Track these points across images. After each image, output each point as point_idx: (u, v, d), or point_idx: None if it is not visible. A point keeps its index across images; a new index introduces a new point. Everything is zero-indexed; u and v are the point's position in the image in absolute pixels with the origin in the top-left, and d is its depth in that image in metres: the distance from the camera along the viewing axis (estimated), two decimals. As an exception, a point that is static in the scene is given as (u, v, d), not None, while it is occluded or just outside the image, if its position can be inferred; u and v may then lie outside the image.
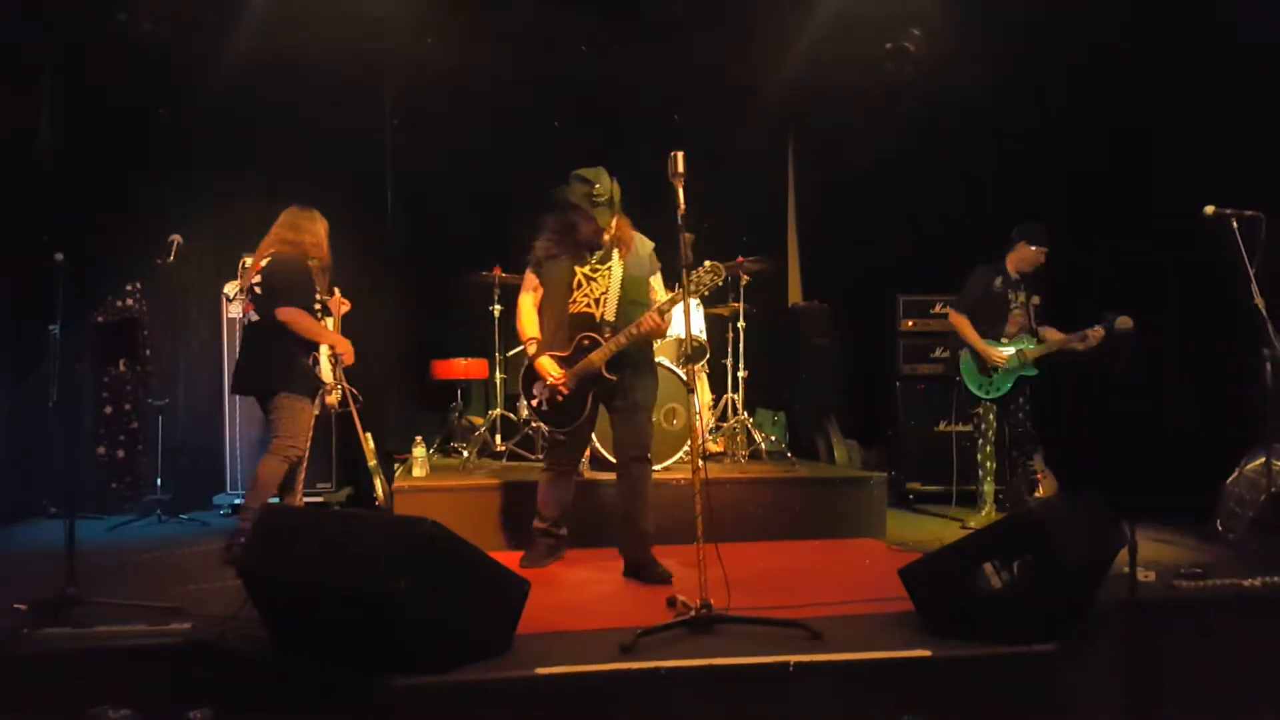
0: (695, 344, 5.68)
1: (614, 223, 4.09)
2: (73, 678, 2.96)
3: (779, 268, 7.09)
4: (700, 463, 3.38)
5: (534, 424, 5.67)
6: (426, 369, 6.42)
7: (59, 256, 3.84)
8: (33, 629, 3.08)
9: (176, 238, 4.61)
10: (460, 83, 6.51)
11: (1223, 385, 4.98)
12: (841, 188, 7.03)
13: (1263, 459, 4.56)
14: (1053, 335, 5.32)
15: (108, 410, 5.99)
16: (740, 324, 5.96)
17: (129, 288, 6.00)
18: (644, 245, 4.20)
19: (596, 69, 6.67)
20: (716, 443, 5.98)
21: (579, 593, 3.97)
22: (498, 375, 6.07)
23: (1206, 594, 3.65)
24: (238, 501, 5.64)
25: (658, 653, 2.92)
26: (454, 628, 2.79)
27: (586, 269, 4.14)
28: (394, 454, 6.05)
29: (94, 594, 3.39)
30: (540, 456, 5.57)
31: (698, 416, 3.53)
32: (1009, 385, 5.35)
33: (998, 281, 5.45)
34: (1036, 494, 5.54)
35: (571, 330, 4.12)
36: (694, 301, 5.67)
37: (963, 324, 5.43)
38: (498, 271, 5.96)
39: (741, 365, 5.97)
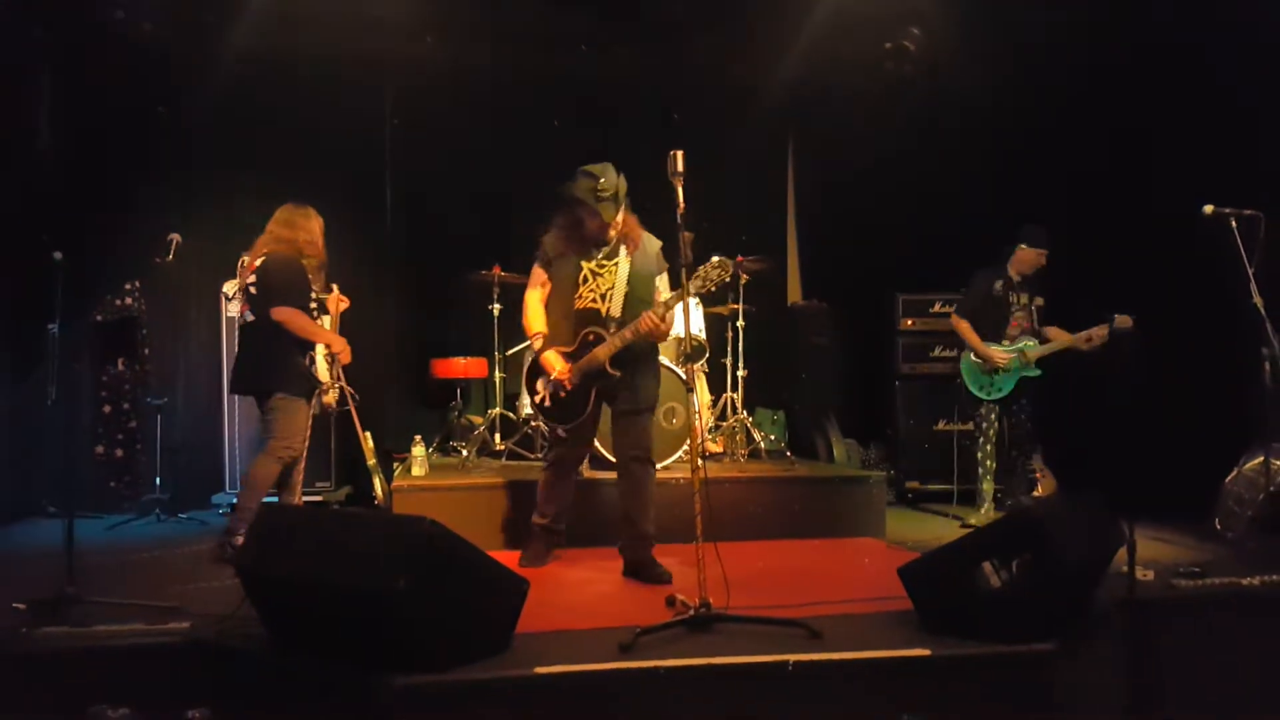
0: (695, 343, 5.68)
1: (621, 219, 4.08)
2: (71, 677, 2.95)
3: (778, 267, 7.09)
4: (700, 462, 3.38)
5: (534, 423, 5.68)
6: (426, 368, 6.42)
7: (58, 255, 3.84)
8: (31, 628, 3.08)
9: (175, 237, 4.62)
10: (460, 82, 6.51)
11: (1221, 384, 4.98)
12: (841, 187, 7.03)
13: (1261, 458, 4.56)
14: (1058, 335, 5.34)
15: (106, 409, 5.99)
16: (740, 323, 5.96)
17: (128, 286, 5.99)
18: (652, 243, 4.19)
19: (596, 69, 6.68)
20: (716, 442, 5.98)
21: (578, 592, 3.97)
22: (497, 374, 6.08)
23: (1205, 593, 3.65)
24: (236, 501, 5.64)
25: (657, 652, 2.92)
26: (453, 627, 2.79)
27: (593, 264, 4.13)
28: (393, 453, 6.05)
29: (92, 593, 3.39)
30: (540, 455, 5.58)
31: (697, 416, 3.52)
32: (1010, 386, 5.37)
33: (998, 285, 5.47)
34: (1035, 493, 5.54)
35: (577, 326, 4.12)
36: (693, 300, 5.67)
37: (964, 328, 5.47)
38: (497, 271, 5.97)
39: (741, 364, 5.97)
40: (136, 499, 5.83)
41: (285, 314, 4.31)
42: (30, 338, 5.46)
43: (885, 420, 6.64)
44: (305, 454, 4.57)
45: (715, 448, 5.95)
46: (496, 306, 6.01)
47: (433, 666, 2.71)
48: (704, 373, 5.95)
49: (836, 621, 3.22)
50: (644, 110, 6.67)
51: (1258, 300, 4.22)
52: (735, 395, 5.97)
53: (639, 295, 4.09)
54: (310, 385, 4.50)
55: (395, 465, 5.77)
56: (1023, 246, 5.42)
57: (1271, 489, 4.46)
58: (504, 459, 5.72)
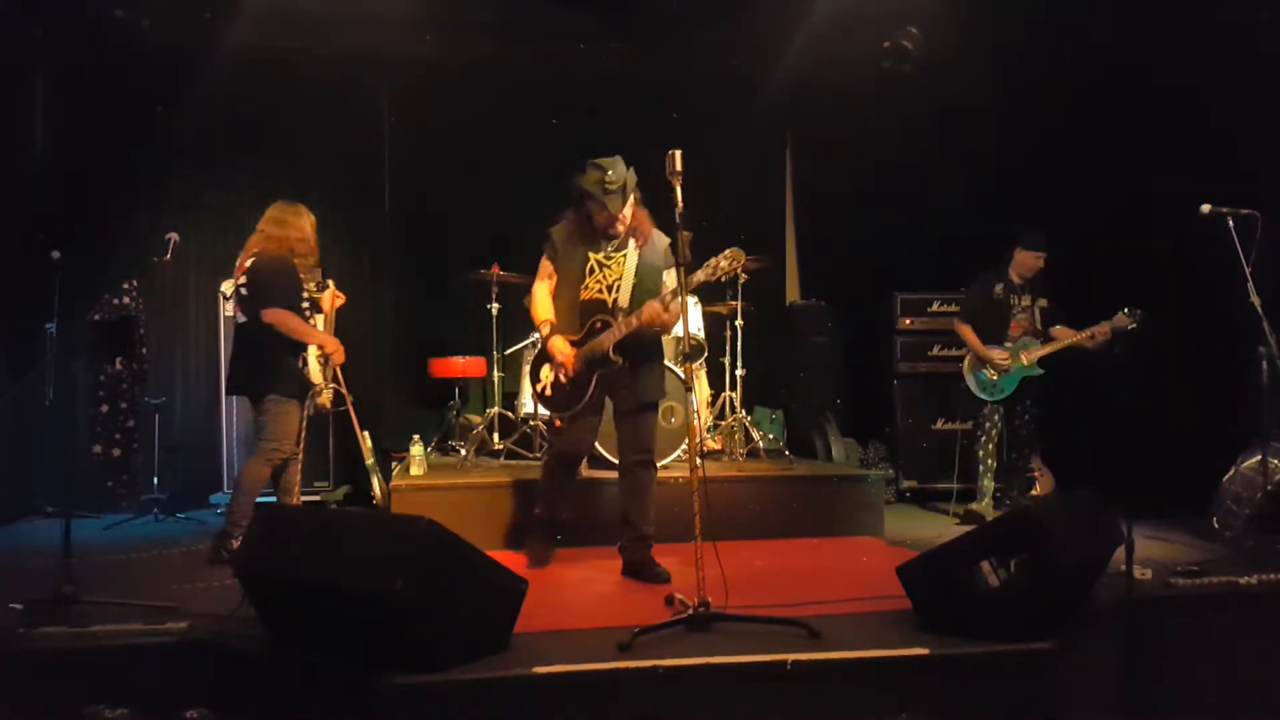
0: (693, 342, 5.68)
1: (629, 212, 4.07)
2: (69, 677, 2.95)
3: (777, 266, 7.09)
4: (698, 461, 3.38)
5: (532, 422, 5.68)
6: (424, 367, 6.42)
7: (55, 255, 3.83)
8: (29, 628, 3.08)
9: (174, 236, 4.61)
10: (458, 81, 6.50)
11: (1219, 383, 4.98)
12: (839, 186, 7.03)
13: (1259, 456, 4.57)
14: (1063, 334, 5.36)
15: (104, 409, 5.97)
16: (738, 322, 5.96)
17: (126, 286, 5.98)
18: (661, 239, 4.18)
19: (595, 68, 6.68)
20: (715, 441, 5.98)
21: (577, 592, 3.97)
22: (495, 374, 6.07)
23: (1203, 592, 3.66)
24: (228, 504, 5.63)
25: (655, 651, 2.92)
26: (451, 626, 2.79)
27: (601, 256, 4.13)
28: (391, 452, 6.05)
29: (91, 593, 3.38)
30: (538, 455, 5.58)
31: (696, 415, 3.52)
32: (1012, 387, 5.40)
33: (998, 288, 5.51)
34: (1033, 492, 5.56)
35: (583, 316, 4.11)
36: (692, 300, 5.67)
37: (966, 332, 5.52)
38: (495, 269, 5.96)
39: (740, 363, 5.97)
40: (134, 499, 5.82)
41: (276, 316, 4.28)
42: (28, 337, 5.47)
43: (884, 419, 6.65)
44: (302, 454, 4.55)
45: (714, 446, 5.95)
46: (495, 306, 6.01)
47: (431, 666, 2.71)
48: (703, 371, 5.95)
49: (835, 621, 3.22)
50: (643, 109, 6.66)
51: (1255, 299, 4.22)
52: (734, 394, 5.97)
53: (646, 287, 4.08)
54: (303, 387, 4.48)
55: (394, 465, 5.76)
56: (1020, 249, 5.45)
57: (1269, 487, 4.47)
58: (502, 458, 5.71)
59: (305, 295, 4.55)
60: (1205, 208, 4.28)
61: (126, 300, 5.98)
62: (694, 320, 5.85)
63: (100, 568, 4.18)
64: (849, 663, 2.92)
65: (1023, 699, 2.95)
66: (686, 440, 4.63)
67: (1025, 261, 5.46)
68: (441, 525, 2.81)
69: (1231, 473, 4.71)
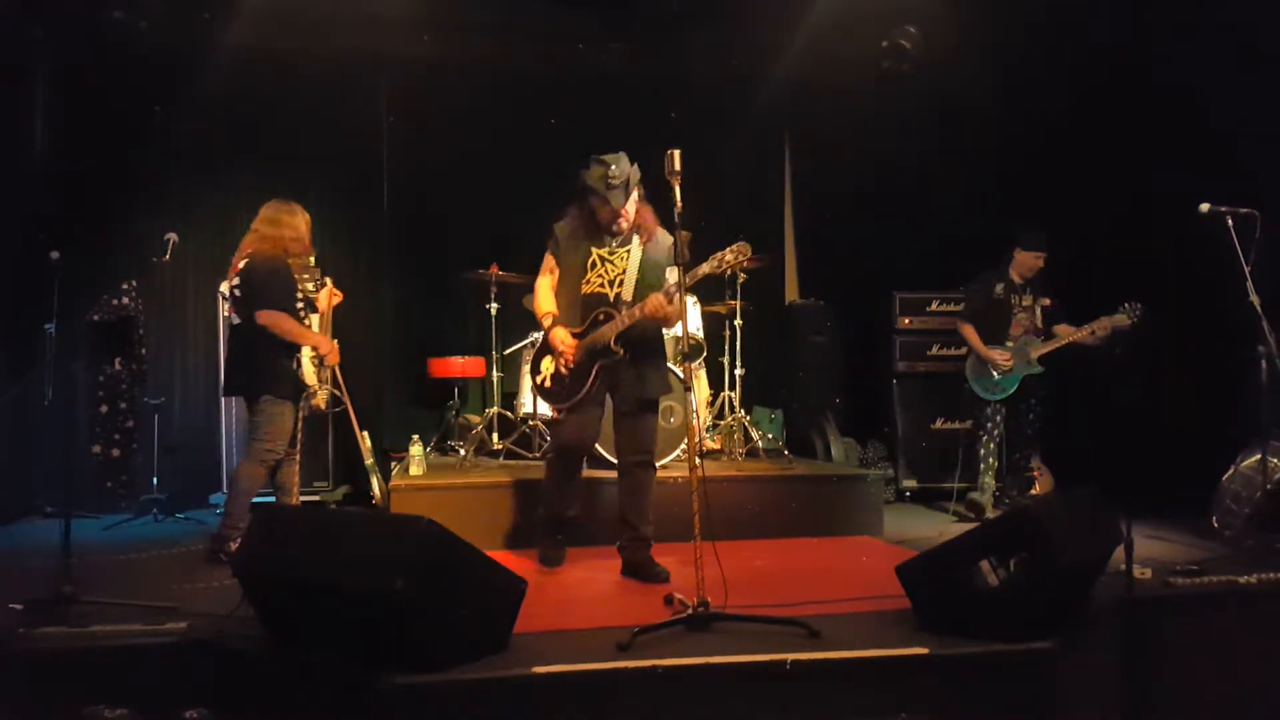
0: (692, 342, 5.68)
1: (633, 208, 4.07)
2: (69, 677, 2.95)
3: (776, 266, 7.09)
4: (697, 461, 3.38)
5: (532, 422, 5.68)
6: (423, 367, 6.42)
7: (54, 255, 3.83)
8: (29, 628, 3.07)
9: (173, 236, 4.61)
10: (457, 80, 6.50)
11: (1219, 383, 4.98)
12: (838, 185, 7.03)
13: (1259, 455, 4.57)
14: (1064, 332, 5.36)
15: (103, 409, 5.97)
16: (737, 322, 5.96)
17: (125, 286, 5.98)
18: (665, 237, 4.17)
19: (595, 67, 6.67)
20: (714, 440, 5.98)
21: (576, 591, 3.97)
22: (495, 374, 6.07)
23: (1203, 591, 3.65)
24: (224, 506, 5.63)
25: (655, 651, 2.92)
26: (451, 626, 2.79)
27: (604, 251, 4.13)
28: (391, 452, 6.05)
29: (90, 593, 3.38)
30: (538, 454, 5.58)
31: (695, 415, 3.51)
32: (1014, 386, 5.41)
33: (999, 288, 5.53)
34: (1033, 491, 5.56)
35: (585, 310, 4.11)
36: (691, 300, 5.67)
37: (968, 332, 5.54)
38: (494, 269, 5.96)
39: (739, 363, 5.97)
40: (134, 499, 5.82)
41: (270, 318, 4.26)
42: (27, 337, 5.47)
43: (883, 419, 6.64)
44: (300, 454, 4.54)
45: (713, 446, 5.95)
46: (494, 306, 6.00)
47: (431, 666, 2.71)
48: (702, 371, 5.95)
49: (834, 620, 3.22)
50: (643, 109, 6.66)
51: (1254, 298, 4.22)
52: (733, 394, 5.97)
53: (650, 284, 4.07)
54: (297, 388, 4.46)
55: (393, 465, 5.76)
56: (1020, 250, 5.47)
57: (1269, 486, 4.47)
58: (502, 458, 5.71)
59: (300, 295, 4.53)
60: (1204, 207, 4.28)
61: (126, 300, 5.98)
62: (693, 320, 5.85)
63: (100, 568, 4.17)
64: (848, 662, 2.92)
65: (1022, 699, 2.95)
66: (686, 440, 4.63)
67: (1025, 262, 5.48)
68: (441, 525, 2.81)
69: (1231, 472, 4.72)
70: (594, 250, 4.13)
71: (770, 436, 6.22)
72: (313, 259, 5.89)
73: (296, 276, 4.54)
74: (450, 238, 6.70)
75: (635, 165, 4.02)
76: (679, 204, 3.42)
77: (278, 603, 3.00)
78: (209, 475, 5.96)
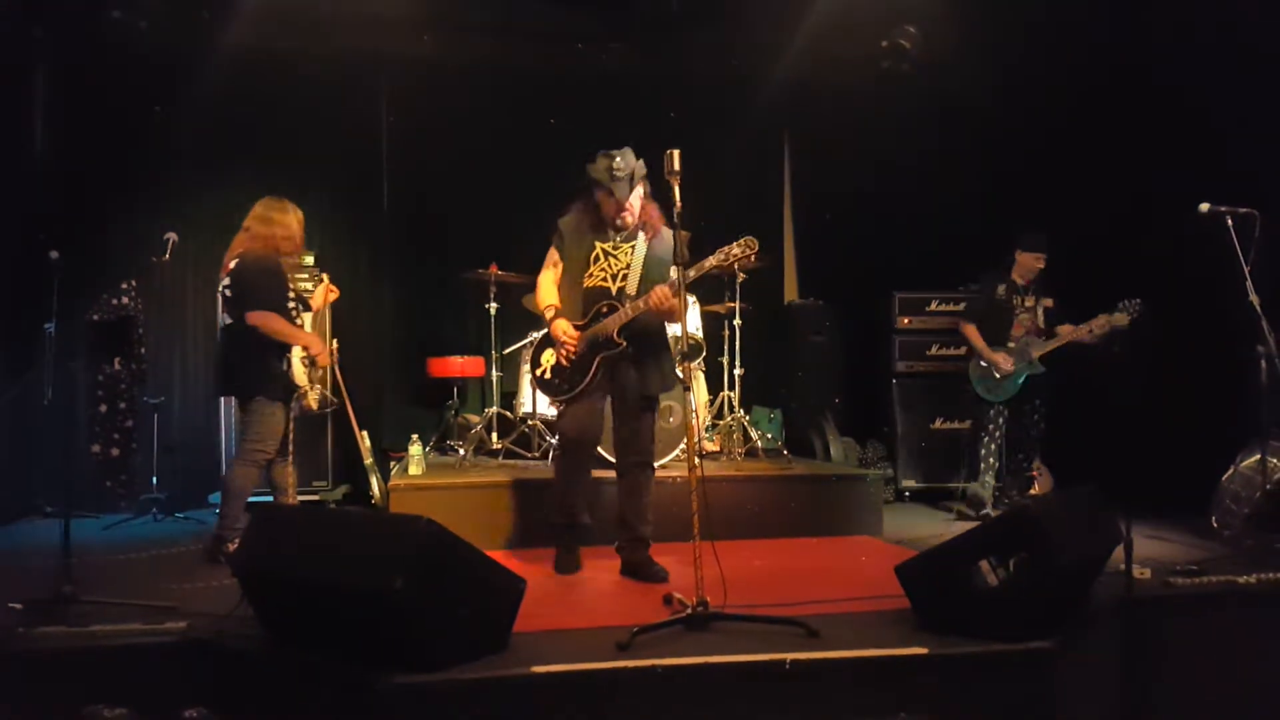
0: (691, 342, 5.67)
1: (638, 202, 4.07)
2: (69, 677, 2.95)
3: (775, 265, 7.09)
4: (697, 461, 3.38)
5: (531, 421, 5.68)
6: (423, 367, 6.41)
7: (54, 254, 3.82)
8: (29, 628, 3.08)
9: (172, 236, 4.59)
10: (457, 80, 6.50)
11: (1219, 383, 4.99)
12: (838, 185, 7.03)
13: (1258, 455, 4.57)
14: (1065, 331, 5.37)
15: (103, 408, 5.98)
16: (736, 322, 5.96)
17: (124, 286, 5.98)
18: (671, 235, 4.18)
19: (594, 67, 6.67)
20: (713, 440, 5.98)
21: (575, 591, 3.97)
22: (494, 373, 6.07)
23: (1202, 591, 3.65)
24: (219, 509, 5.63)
25: (654, 651, 2.92)
26: (450, 626, 2.78)
27: (608, 245, 4.12)
28: (390, 452, 6.05)
29: (90, 593, 3.38)
30: (537, 454, 5.58)
31: (694, 415, 3.51)
32: (1016, 388, 5.41)
33: (1001, 289, 5.55)
34: (1032, 492, 5.57)
35: (587, 303, 4.10)
36: (690, 299, 5.67)
37: (971, 333, 5.57)
38: (494, 269, 5.96)
39: (738, 363, 5.97)
40: (133, 498, 5.82)
41: (260, 318, 4.24)
42: (27, 337, 5.46)
43: (882, 418, 6.65)
44: (293, 455, 4.51)
45: (712, 446, 5.95)
46: (494, 305, 6.00)
47: (430, 666, 2.71)
48: (701, 370, 5.95)
49: (834, 620, 3.22)
50: (642, 109, 6.66)
51: (1254, 298, 4.22)
52: (732, 394, 5.97)
53: (653, 279, 4.05)
54: (288, 389, 4.43)
55: (392, 464, 5.76)
56: (1020, 251, 5.49)
57: (1268, 486, 4.47)
58: (501, 458, 5.71)
59: (292, 294, 4.52)
60: (1204, 207, 4.29)
61: (125, 300, 5.98)
62: (692, 320, 5.85)
63: (99, 568, 4.17)
64: (848, 662, 2.92)
65: (1022, 698, 2.95)
66: (685, 440, 4.63)
67: (1026, 263, 5.50)
68: (440, 525, 2.81)
69: (1231, 472, 4.72)
70: (598, 244, 4.12)
71: (769, 436, 6.22)
72: (311, 258, 5.91)
73: (290, 275, 4.52)
74: (450, 237, 6.69)
75: (640, 160, 4.02)
76: (678, 204, 3.43)
77: (277, 602, 3.00)
78: (208, 475, 5.95)
